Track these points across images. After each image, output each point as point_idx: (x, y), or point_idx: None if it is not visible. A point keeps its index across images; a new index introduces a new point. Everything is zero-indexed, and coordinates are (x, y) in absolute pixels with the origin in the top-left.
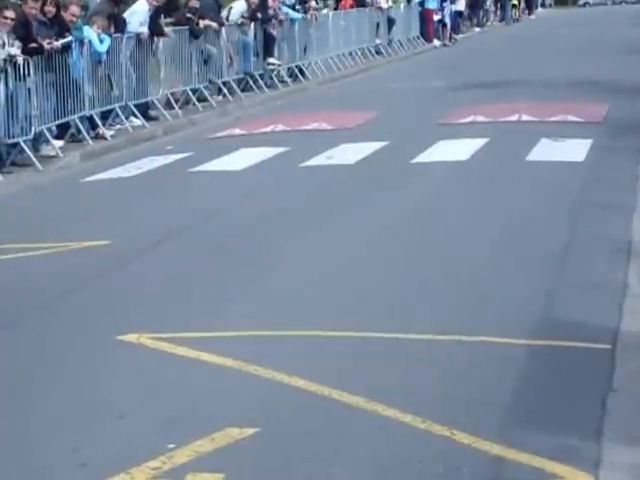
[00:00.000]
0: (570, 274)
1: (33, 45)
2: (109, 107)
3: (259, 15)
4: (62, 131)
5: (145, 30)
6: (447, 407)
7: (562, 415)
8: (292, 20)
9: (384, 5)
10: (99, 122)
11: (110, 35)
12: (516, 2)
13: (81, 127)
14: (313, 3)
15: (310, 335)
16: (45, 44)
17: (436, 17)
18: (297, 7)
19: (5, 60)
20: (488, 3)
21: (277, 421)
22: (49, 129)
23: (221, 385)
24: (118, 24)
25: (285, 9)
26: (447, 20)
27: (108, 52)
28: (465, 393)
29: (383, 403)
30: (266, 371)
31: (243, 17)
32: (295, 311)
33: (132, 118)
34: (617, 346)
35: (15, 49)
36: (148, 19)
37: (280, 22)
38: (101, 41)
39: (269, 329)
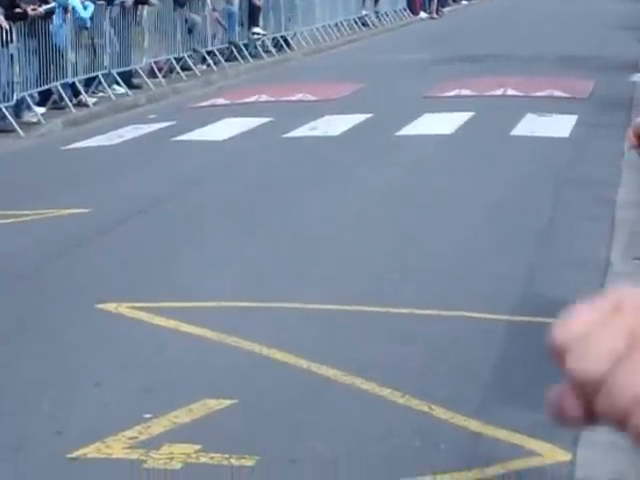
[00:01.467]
0: (553, 250)
1: (17, 11)
2: (92, 74)
3: None
4: (44, 98)
5: None
6: (426, 382)
7: (541, 392)
8: None
9: None
10: (82, 89)
11: (94, 2)
12: None
13: (63, 94)
14: None
15: (291, 307)
16: (29, 10)
17: None
18: None
19: None
20: None
21: (255, 393)
22: (31, 95)
23: (199, 356)
24: None
25: None
26: None
27: (92, 19)
28: (445, 368)
29: (362, 376)
30: (245, 342)
31: None
32: (276, 283)
33: (115, 86)
34: None
35: None
36: None
37: None
38: (85, 7)
39: (250, 300)
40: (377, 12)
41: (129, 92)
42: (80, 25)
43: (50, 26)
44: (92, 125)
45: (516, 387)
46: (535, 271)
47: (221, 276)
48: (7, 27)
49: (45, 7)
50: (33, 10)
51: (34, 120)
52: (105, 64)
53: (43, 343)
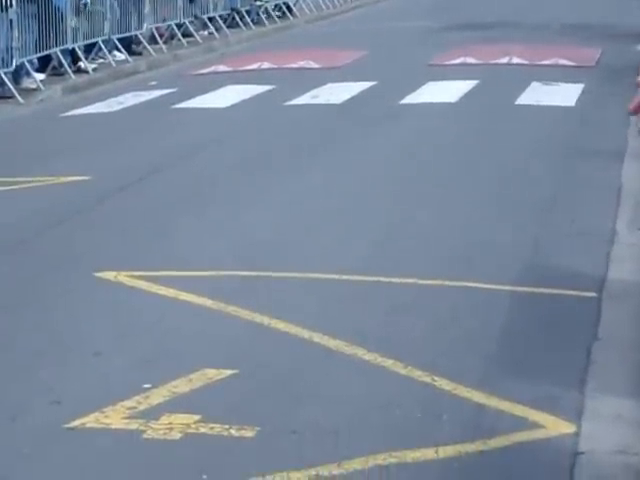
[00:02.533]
0: (558, 221)
1: None
2: (92, 40)
3: None
4: (43, 64)
5: None
6: (429, 353)
7: (545, 364)
8: None
9: None
10: (81, 55)
11: None
12: None
13: (63, 60)
14: None
15: (292, 277)
16: None
17: None
18: None
19: None
20: None
21: (255, 363)
22: (30, 61)
23: (199, 325)
24: None
25: None
26: None
27: None
28: (448, 339)
29: (364, 347)
30: (246, 312)
31: None
32: (277, 252)
33: (115, 52)
34: (603, 294)
35: None
36: None
37: None
38: None
39: (250, 269)
40: None
41: (129, 58)
42: None
43: None
44: (92, 92)
45: (520, 358)
46: (539, 241)
47: (221, 245)
48: None
49: None
50: None
51: (33, 86)
52: (105, 30)
53: (41, 311)
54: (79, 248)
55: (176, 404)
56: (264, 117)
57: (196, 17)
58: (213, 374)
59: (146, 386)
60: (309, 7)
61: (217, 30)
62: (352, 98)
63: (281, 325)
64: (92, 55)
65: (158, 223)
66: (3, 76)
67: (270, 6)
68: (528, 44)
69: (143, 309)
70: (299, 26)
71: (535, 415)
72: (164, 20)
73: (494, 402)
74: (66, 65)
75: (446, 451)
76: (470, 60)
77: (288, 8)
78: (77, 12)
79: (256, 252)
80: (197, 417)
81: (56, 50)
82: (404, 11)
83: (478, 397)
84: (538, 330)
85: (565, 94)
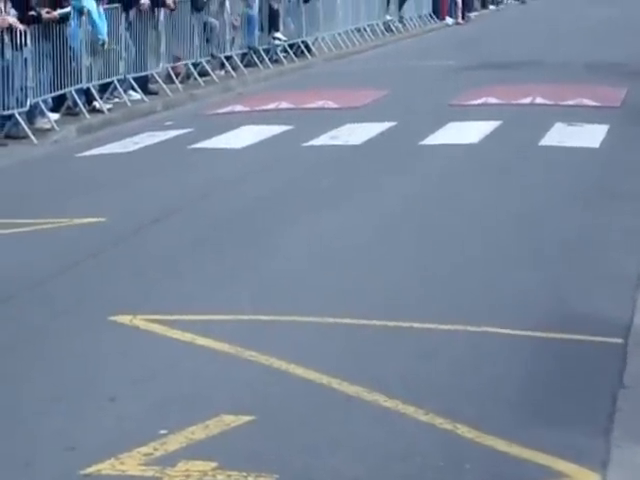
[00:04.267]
0: (583, 264)
1: (31, 13)
2: (107, 80)
3: None
4: (58, 103)
5: (146, 1)
6: (451, 399)
7: (570, 411)
8: None
9: None
10: (96, 95)
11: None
12: None
13: (78, 100)
14: None
15: (310, 321)
16: (43, 13)
17: None
18: None
19: (2, 29)
20: None
21: (273, 409)
22: (45, 101)
23: (216, 370)
24: None
25: None
26: None
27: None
28: (470, 385)
29: (384, 393)
30: (263, 357)
31: None
32: (295, 296)
33: (131, 92)
34: (629, 341)
35: (11, 18)
36: None
37: None
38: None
39: (268, 314)
40: (401, 17)
41: (145, 98)
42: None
43: (66, 29)
44: (107, 132)
45: (543, 405)
46: (563, 285)
47: (238, 288)
48: (22, 29)
49: (60, 11)
50: (47, 13)
51: (47, 126)
52: (121, 69)
53: (56, 355)
54: (94, 291)
55: (193, 451)
56: (282, 158)
57: (213, 56)
58: (230, 420)
59: (162, 432)
60: (328, 46)
61: (234, 69)
62: (371, 139)
63: (299, 370)
64: (107, 95)
65: (174, 266)
66: (17, 116)
67: (288, 45)
68: (551, 84)
69: (158, 354)
70: (318, 65)
71: (559, 464)
72: (180, 59)
73: (517, 450)
74: (81, 105)
75: None
76: (492, 100)
77: (306, 47)
78: (92, 51)
79: (274, 296)
80: (214, 464)
81: (71, 89)
82: (424, 50)
83: (501, 445)
84: (562, 377)
85: (590, 135)
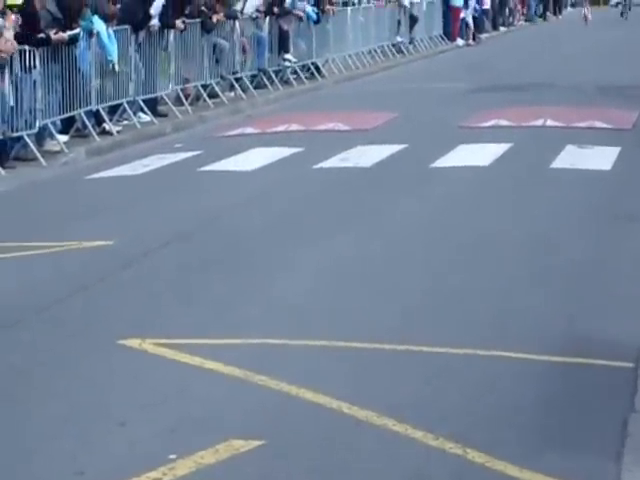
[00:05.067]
0: (593, 288)
1: (40, 36)
2: (117, 102)
3: (275, 9)
4: (67, 125)
5: (156, 22)
6: (461, 424)
7: (581, 436)
8: (308, 16)
9: (406, 2)
10: (105, 117)
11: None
12: None
13: (87, 122)
14: None
15: (320, 345)
16: (52, 35)
17: (462, 15)
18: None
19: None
20: (516, 0)
21: (283, 434)
22: (54, 123)
23: (226, 395)
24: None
25: (304, 5)
26: (469, 19)
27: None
28: (480, 410)
29: (394, 418)
30: (273, 381)
31: (258, 11)
32: (305, 319)
33: (140, 114)
34: None
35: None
36: (161, 10)
37: (299, 18)
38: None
39: (277, 337)
40: (412, 39)
41: (154, 120)
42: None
43: (75, 51)
44: (116, 154)
45: (554, 430)
46: (574, 309)
47: (248, 312)
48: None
49: (70, 33)
50: (55, 34)
51: (56, 149)
52: (130, 91)
53: (64, 380)
54: (103, 315)
55: (202, 475)
56: (292, 181)
57: (222, 78)
58: (240, 445)
59: (171, 457)
60: (338, 67)
61: (244, 91)
62: (382, 161)
63: (309, 395)
64: (116, 117)
65: (183, 289)
66: (26, 138)
67: (298, 66)
68: (563, 106)
69: (168, 378)
70: (328, 87)
71: None
72: (189, 81)
73: (528, 475)
74: (90, 127)
75: None
76: (503, 122)
77: (317, 68)
78: (101, 73)
79: (284, 319)
80: None
81: (80, 111)
82: (435, 72)
83: (512, 470)
84: (573, 401)
85: (601, 158)
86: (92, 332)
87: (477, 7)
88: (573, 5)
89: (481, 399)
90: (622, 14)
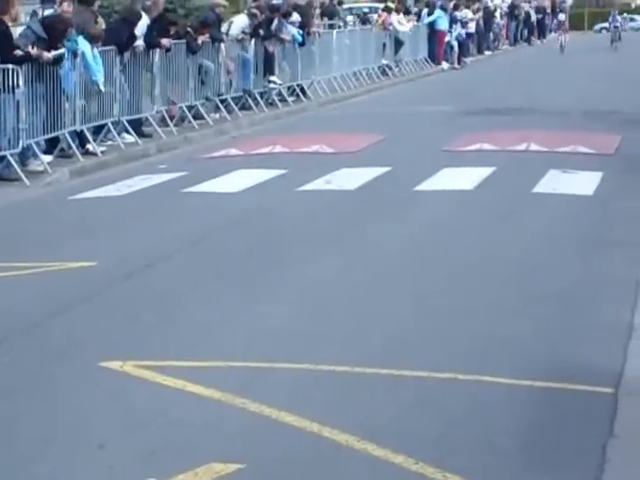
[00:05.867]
0: (576, 313)
1: (18, 53)
2: (101, 122)
3: (261, 32)
4: (51, 145)
5: (141, 42)
6: (441, 449)
7: (561, 460)
8: (294, 38)
9: (399, 28)
10: (90, 137)
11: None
12: None
13: (71, 142)
14: (316, 20)
15: (302, 368)
16: (31, 50)
17: (447, 39)
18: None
19: None
20: (501, 25)
21: (263, 458)
22: (37, 143)
23: (206, 418)
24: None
25: (290, 28)
26: (454, 43)
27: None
28: (461, 435)
29: (374, 442)
30: (254, 405)
31: (244, 33)
32: (287, 342)
33: (125, 134)
34: (620, 390)
35: None
36: (145, 31)
37: (282, 41)
38: (95, 62)
39: (259, 360)
40: (397, 61)
41: (139, 141)
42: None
43: (59, 71)
44: (100, 175)
45: (534, 455)
46: (556, 334)
47: (230, 335)
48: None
49: (54, 53)
50: (36, 52)
51: (40, 169)
52: (114, 112)
53: (44, 401)
54: (84, 337)
55: None
56: (276, 203)
57: (207, 99)
58: (220, 468)
59: None
60: (323, 89)
61: (229, 112)
62: (367, 184)
63: (290, 418)
64: (101, 137)
65: (166, 311)
66: (10, 158)
67: (283, 88)
68: (546, 130)
69: (149, 400)
70: (313, 109)
71: None
72: (173, 101)
73: None
74: (74, 147)
75: None
76: (487, 146)
77: (302, 90)
78: (86, 93)
79: (266, 342)
80: None
81: (64, 132)
82: (419, 95)
83: None
84: (553, 426)
85: (583, 183)
86: (73, 354)
87: (462, 31)
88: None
89: (462, 424)
90: (612, 42)
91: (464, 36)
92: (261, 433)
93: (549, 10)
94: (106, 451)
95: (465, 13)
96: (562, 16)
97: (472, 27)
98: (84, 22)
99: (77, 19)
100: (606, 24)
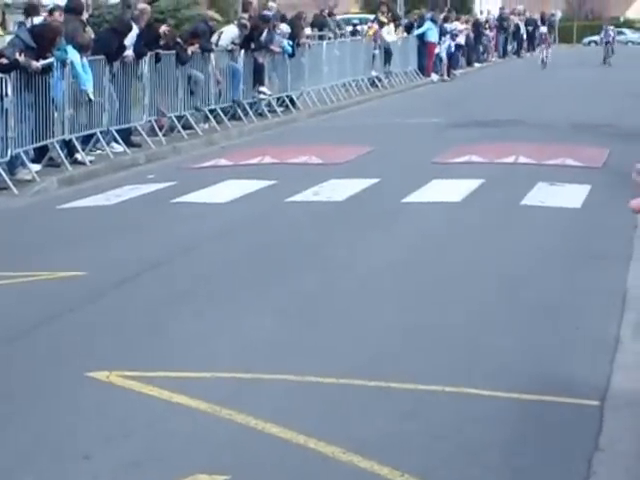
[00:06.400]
0: (562, 326)
1: (3, 61)
2: (90, 131)
3: (252, 44)
4: (40, 154)
5: (130, 53)
6: (427, 461)
7: (546, 474)
8: (284, 49)
9: (388, 38)
10: (78, 147)
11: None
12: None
13: (60, 151)
14: (307, 31)
15: (289, 380)
16: (19, 57)
17: (436, 50)
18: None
19: None
20: (490, 37)
21: (249, 469)
22: (26, 152)
23: (192, 429)
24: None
25: (279, 39)
26: (443, 55)
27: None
28: (446, 447)
29: (360, 454)
30: (240, 416)
31: (234, 43)
32: (274, 354)
33: (113, 144)
34: (606, 404)
35: None
36: (135, 41)
37: (271, 52)
38: (84, 71)
39: (246, 372)
40: (387, 73)
41: (128, 150)
42: (79, 85)
43: (48, 80)
44: (89, 184)
45: (520, 468)
46: (542, 347)
47: (218, 346)
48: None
49: (43, 62)
50: (20, 57)
51: (29, 178)
52: (104, 121)
53: (30, 412)
54: (71, 346)
55: None
56: (264, 214)
57: (197, 109)
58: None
59: None
60: (312, 101)
61: (218, 123)
62: (355, 195)
63: (276, 429)
64: (90, 146)
65: (153, 321)
66: None
67: (273, 99)
68: (534, 143)
69: (134, 411)
70: (302, 120)
71: None
72: (163, 112)
73: None
74: (63, 157)
75: None
76: (476, 158)
77: (291, 101)
78: (75, 103)
79: (253, 354)
80: None
81: (53, 141)
82: (409, 107)
83: None
84: (539, 439)
85: (571, 195)
86: (60, 364)
87: (451, 43)
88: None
89: (448, 436)
90: (605, 60)
91: (453, 49)
92: (247, 444)
93: (540, 23)
94: (92, 461)
95: (455, 25)
96: (544, 29)
97: (462, 39)
98: (73, 31)
99: (65, 28)
100: (595, 37)
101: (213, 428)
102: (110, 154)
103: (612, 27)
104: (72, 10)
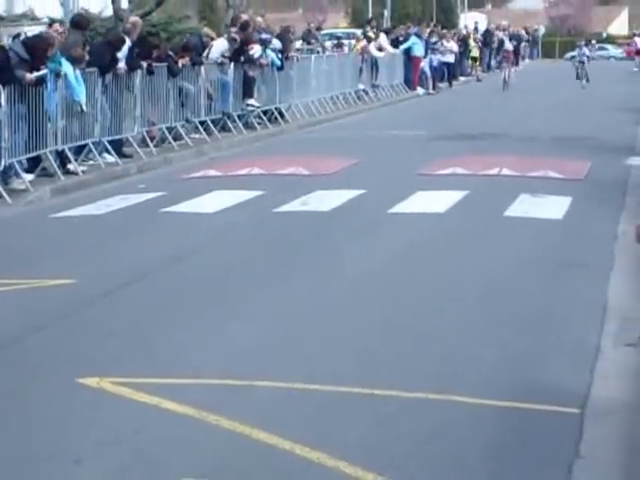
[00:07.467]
0: (543, 335)
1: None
2: (82, 142)
3: (242, 58)
4: (33, 164)
5: (123, 65)
6: (410, 467)
7: None
8: (273, 63)
9: (375, 54)
10: (71, 157)
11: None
12: (476, 55)
13: (52, 161)
14: (296, 44)
15: (275, 386)
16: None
17: (422, 64)
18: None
19: None
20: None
21: (235, 474)
22: (19, 162)
23: (180, 434)
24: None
25: (269, 53)
26: (427, 69)
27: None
28: (429, 454)
29: (345, 460)
30: (227, 421)
31: (223, 56)
32: (261, 361)
33: (105, 154)
34: (586, 411)
35: None
36: (127, 53)
37: (260, 65)
38: (77, 82)
39: (234, 378)
40: (374, 86)
41: (119, 161)
42: (72, 97)
43: (43, 92)
44: (81, 193)
45: (501, 475)
46: (523, 355)
47: (206, 353)
48: None
49: (36, 74)
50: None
51: (22, 187)
52: (96, 132)
53: (21, 417)
54: (62, 353)
55: None
56: (252, 223)
57: (187, 120)
58: None
59: None
60: (301, 113)
61: (208, 134)
62: (341, 206)
63: (262, 435)
64: (82, 157)
65: (143, 329)
66: None
67: (262, 111)
68: (518, 156)
69: (124, 417)
70: (291, 132)
71: None
72: (154, 124)
73: None
74: (55, 167)
75: None
76: (460, 170)
77: (280, 113)
78: (68, 114)
79: (240, 361)
80: None
81: (46, 151)
82: (396, 119)
83: None
84: (520, 446)
85: (553, 207)
86: (51, 370)
87: (434, 57)
88: (530, 57)
89: (430, 443)
90: (578, 78)
91: (436, 65)
92: (234, 450)
93: (526, 38)
94: (82, 466)
95: (445, 46)
96: (509, 45)
97: (451, 58)
98: (73, 44)
99: (65, 40)
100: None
101: (200, 434)
102: (102, 164)
103: (591, 44)
104: (77, 25)
